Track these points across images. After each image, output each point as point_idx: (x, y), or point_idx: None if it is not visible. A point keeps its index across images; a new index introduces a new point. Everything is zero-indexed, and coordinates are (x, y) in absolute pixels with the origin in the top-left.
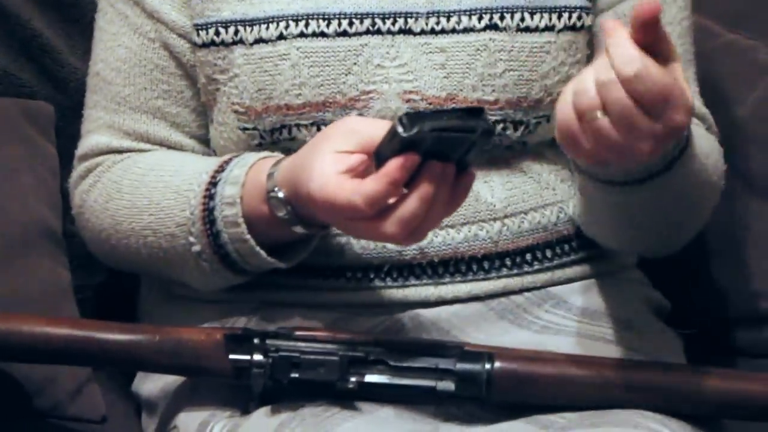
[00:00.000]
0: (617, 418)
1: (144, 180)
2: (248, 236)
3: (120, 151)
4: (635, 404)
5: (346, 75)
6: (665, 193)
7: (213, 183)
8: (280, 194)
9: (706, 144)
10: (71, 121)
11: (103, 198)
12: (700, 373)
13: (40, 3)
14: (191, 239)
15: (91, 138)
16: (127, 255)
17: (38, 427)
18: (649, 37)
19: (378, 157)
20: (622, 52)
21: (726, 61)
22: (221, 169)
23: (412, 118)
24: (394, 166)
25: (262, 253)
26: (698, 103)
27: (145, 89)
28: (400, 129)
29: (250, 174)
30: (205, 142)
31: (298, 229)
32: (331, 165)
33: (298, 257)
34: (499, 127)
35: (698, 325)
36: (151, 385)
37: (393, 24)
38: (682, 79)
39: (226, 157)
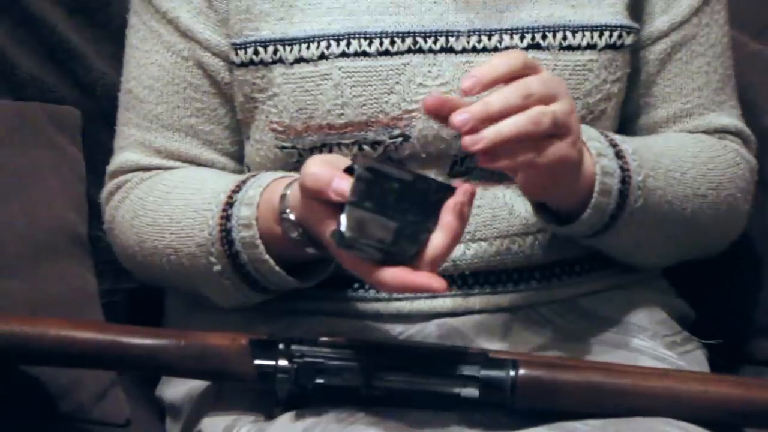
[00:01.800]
0: (641, 426)
1: (167, 198)
2: (267, 257)
3: (149, 169)
4: (659, 412)
5: (389, 94)
6: (634, 233)
7: (229, 203)
8: (291, 216)
9: (690, 167)
10: (98, 126)
11: (129, 215)
12: (724, 381)
13: (67, 8)
14: (212, 259)
15: (123, 155)
16: (153, 271)
17: (62, 430)
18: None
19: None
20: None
21: (752, 71)
22: (237, 189)
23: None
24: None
25: (282, 272)
26: (727, 119)
27: (178, 107)
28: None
29: (264, 195)
30: (237, 158)
31: (311, 250)
32: None
33: (319, 276)
34: None
35: (723, 335)
36: (175, 389)
37: (434, 42)
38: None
39: (243, 177)
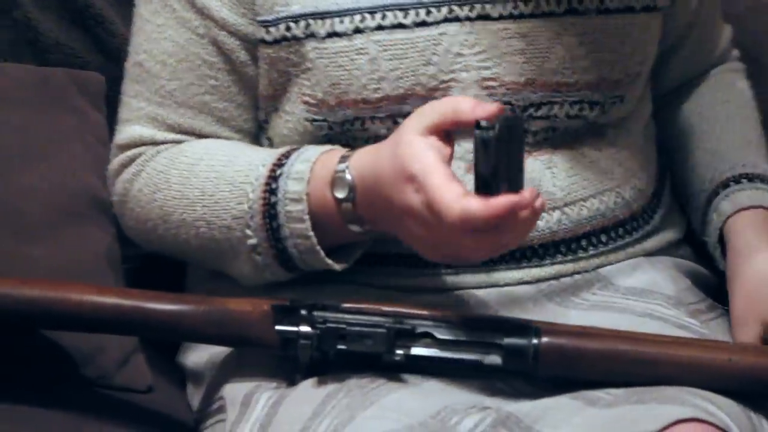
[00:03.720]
0: (664, 395)
1: (194, 170)
2: (311, 233)
3: (164, 143)
4: (682, 381)
5: (426, 66)
6: None
7: (273, 177)
8: (348, 176)
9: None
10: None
11: (149, 188)
12: (749, 350)
13: None
14: (248, 232)
15: (133, 128)
16: (175, 245)
17: (85, 395)
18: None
19: (477, 172)
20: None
21: (752, 23)
22: (280, 163)
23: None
24: (505, 206)
25: (321, 251)
26: (728, 28)
27: (193, 84)
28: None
29: (315, 169)
30: (251, 136)
31: (354, 227)
32: (434, 154)
33: (352, 259)
34: (576, 108)
35: None
36: (197, 355)
37: (470, 10)
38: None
39: (283, 150)
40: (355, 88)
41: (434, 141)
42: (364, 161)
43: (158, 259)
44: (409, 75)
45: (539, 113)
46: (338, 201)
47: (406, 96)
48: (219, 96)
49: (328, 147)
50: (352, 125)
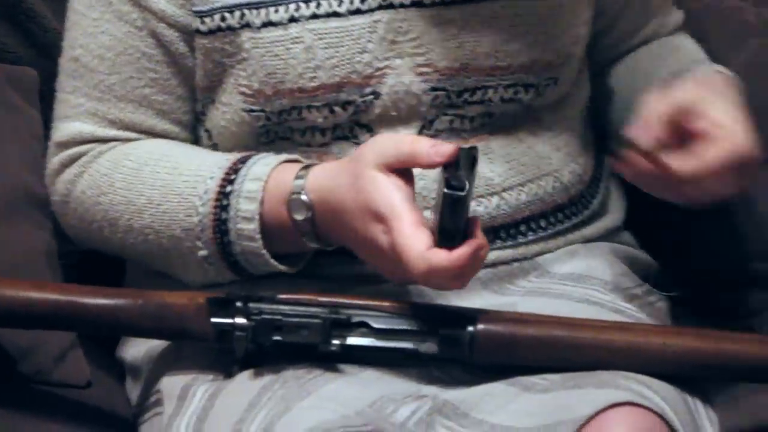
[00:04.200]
0: (599, 380)
1: (139, 176)
2: (264, 251)
3: (105, 140)
4: (618, 366)
5: (361, 53)
6: None
7: (224, 194)
8: (305, 197)
9: None
10: (55, 87)
11: (93, 191)
12: (684, 334)
13: None
14: (198, 243)
15: (72, 125)
16: (122, 248)
17: (22, 392)
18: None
19: (442, 226)
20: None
21: (712, 21)
22: (230, 179)
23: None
24: (469, 254)
25: (274, 262)
26: (679, 12)
27: (132, 78)
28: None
29: (267, 186)
30: (190, 128)
31: (312, 244)
32: (402, 202)
33: (303, 262)
34: (511, 91)
35: (685, 287)
36: (135, 349)
37: None
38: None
39: (230, 162)
40: (291, 77)
41: (396, 180)
42: (322, 184)
43: (96, 255)
44: (344, 63)
45: (474, 98)
46: (296, 221)
47: (342, 84)
48: (159, 89)
49: (278, 159)
50: (289, 115)
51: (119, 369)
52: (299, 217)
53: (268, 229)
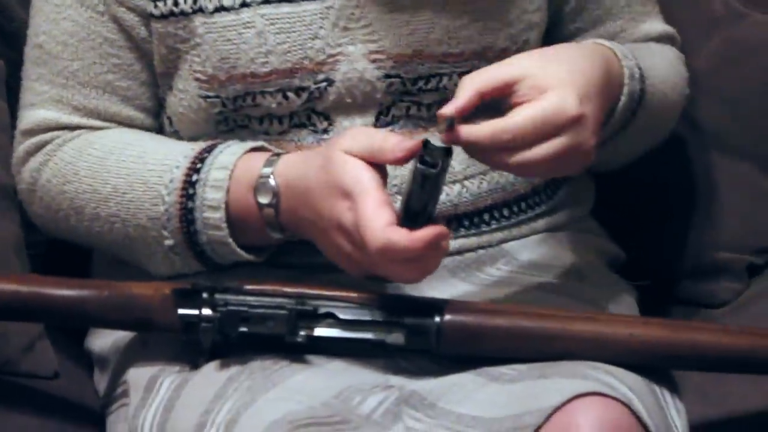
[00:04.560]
0: (566, 370)
1: (104, 164)
2: (230, 240)
3: (70, 128)
4: (585, 356)
5: (313, 39)
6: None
7: (190, 182)
8: (272, 181)
9: (663, 67)
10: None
11: (58, 179)
12: (650, 324)
13: None
14: (165, 233)
15: (37, 113)
16: (88, 237)
17: None
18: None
19: (407, 206)
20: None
21: (681, 11)
22: (195, 167)
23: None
24: (429, 239)
25: (241, 252)
26: (660, 26)
27: (95, 63)
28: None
29: (234, 174)
30: (155, 114)
31: (275, 234)
32: (368, 176)
33: (269, 252)
34: None
35: (652, 276)
36: (103, 341)
37: None
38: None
39: (196, 150)
40: (244, 62)
41: (367, 164)
42: (291, 169)
43: (64, 244)
44: (296, 49)
45: (429, 86)
46: (260, 206)
47: (294, 70)
48: (122, 74)
49: (245, 147)
50: (244, 101)
51: (87, 360)
52: (264, 200)
53: (234, 219)
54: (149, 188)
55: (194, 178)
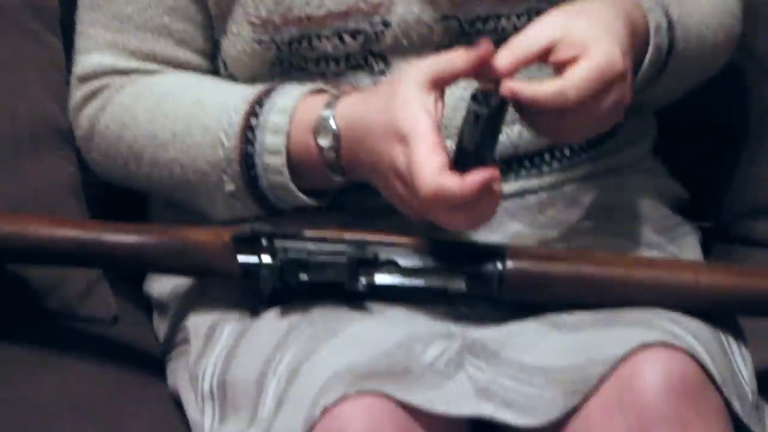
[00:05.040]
0: (631, 318)
1: (162, 109)
2: (291, 184)
3: (126, 72)
4: (649, 303)
5: None
6: (674, 77)
7: (249, 127)
8: (333, 124)
9: (707, 7)
10: (75, 12)
11: (116, 125)
12: (716, 270)
13: None
14: (225, 178)
15: (92, 57)
16: (148, 183)
17: (49, 328)
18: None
19: (460, 146)
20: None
21: None
22: (254, 111)
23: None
24: (480, 183)
25: (302, 196)
26: None
27: (150, 6)
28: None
29: (294, 117)
30: (211, 57)
31: (336, 177)
32: (425, 113)
33: (330, 196)
34: (524, 20)
35: (716, 215)
36: (161, 285)
37: None
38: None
39: (254, 96)
40: (299, 4)
41: (429, 102)
42: (353, 111)
43: (121, 187)
44: None
45: (487, 27)
46: (321, 149)
47: (349, 12)
48: (178, 16)
49: (303, 90)
50: (299, 44)
51: (146, 304)
52: (324, 142)
53: (295, 162)
54: (208, 133)
55: (253, 122)
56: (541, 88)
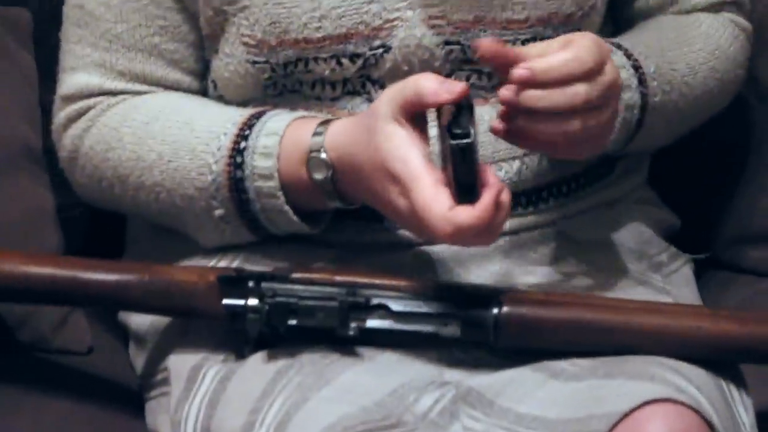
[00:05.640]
0: (632, 369)
1: (149, 130)
2: (286, 207)
3: (114, 93)
4: (650, 350)
5: (369, 3)
6: (653, 131)
7: (238, 150)
8: (324, 155)
9: (699, 54)
10: (50, 30)
11: (101, 146)
12: (719, 316)
13: None
14: (214, 203)
15: (79, 77)
16: (134, 207)
17: (21, 361)
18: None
19: (457, 181)
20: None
21: None
22: (243, 134)
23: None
24: (491, 206)
25: (297, 219)
26: None
27: (140, 26)
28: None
29: (283, 143)
30: (201, 77)
31: (335, 203)
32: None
33: (326, 220)
34: None
35: (709, 243)
36: (140, 318)
37: None
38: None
39: (244, 118)
40: (296, 26)
41: (410, 132)
42: (341, 141)
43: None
44: (351, 13)
45: None
46: (316, 181)
47: (348, 35)
48: (168, 37)
49: (293, 115)
50: (295, 67)
51: (123, 334)
52: (319, 176)
53: (287, 186)
54: (195, 156)
55: (242, 145)
56: (554, 56)
